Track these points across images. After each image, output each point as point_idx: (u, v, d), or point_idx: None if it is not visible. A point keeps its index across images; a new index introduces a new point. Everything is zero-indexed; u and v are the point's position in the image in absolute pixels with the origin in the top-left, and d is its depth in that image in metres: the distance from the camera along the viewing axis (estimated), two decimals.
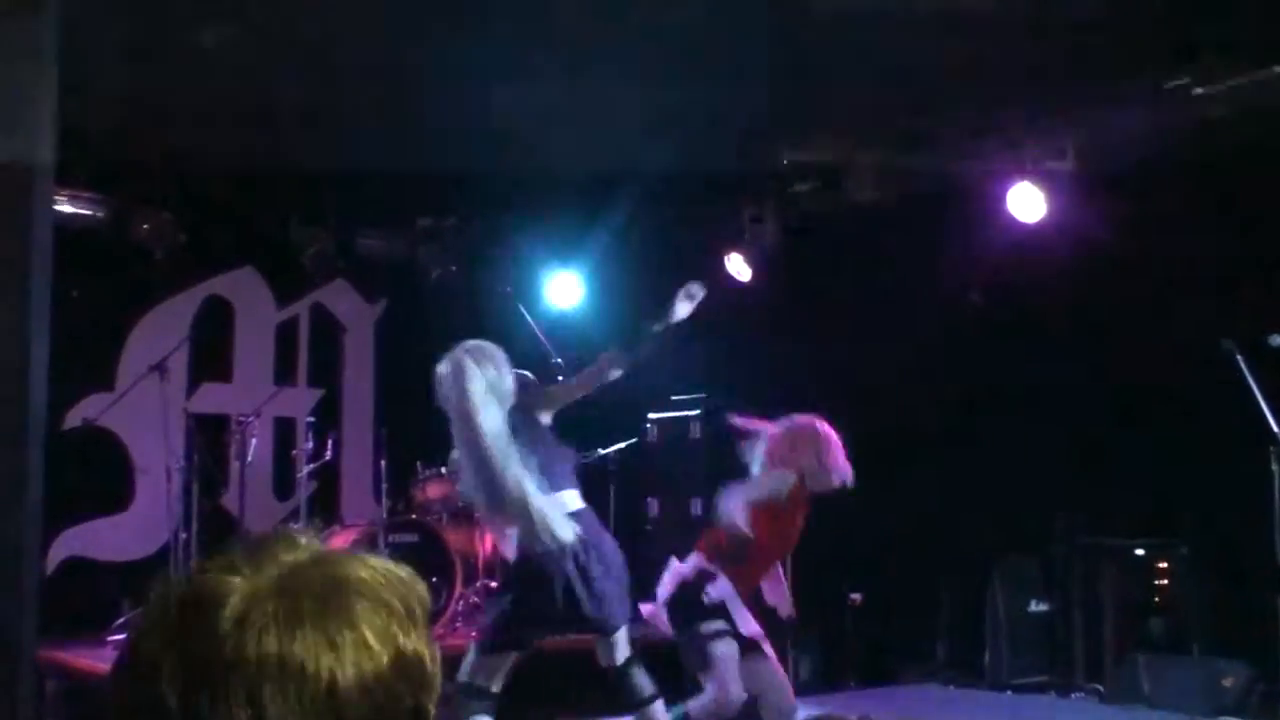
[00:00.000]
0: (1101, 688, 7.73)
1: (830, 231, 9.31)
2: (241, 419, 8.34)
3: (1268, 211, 7.17)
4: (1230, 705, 6.78)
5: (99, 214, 8.72)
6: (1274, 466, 5.73)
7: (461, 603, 8.35)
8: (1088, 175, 7.39)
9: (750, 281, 9.29)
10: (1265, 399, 5.76)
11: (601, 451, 9.13)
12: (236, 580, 1.25)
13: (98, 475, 9.00)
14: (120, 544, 9.08)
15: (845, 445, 9.38)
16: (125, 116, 7.83)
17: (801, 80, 7.27)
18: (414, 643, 1.27)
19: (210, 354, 9.60)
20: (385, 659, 1.24)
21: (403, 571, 1.34)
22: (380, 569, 1.32)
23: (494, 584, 8.73)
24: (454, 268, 9.88)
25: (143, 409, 8.55)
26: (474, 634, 8.22)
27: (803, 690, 8.86)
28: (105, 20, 6.38)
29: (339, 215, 9.57)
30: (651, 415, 9.41)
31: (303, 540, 1.30)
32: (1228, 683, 6.94)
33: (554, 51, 6.86)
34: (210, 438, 8.75)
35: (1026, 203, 7.61)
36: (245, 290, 9.88)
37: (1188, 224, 7.54)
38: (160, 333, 9.22)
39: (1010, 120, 7.59)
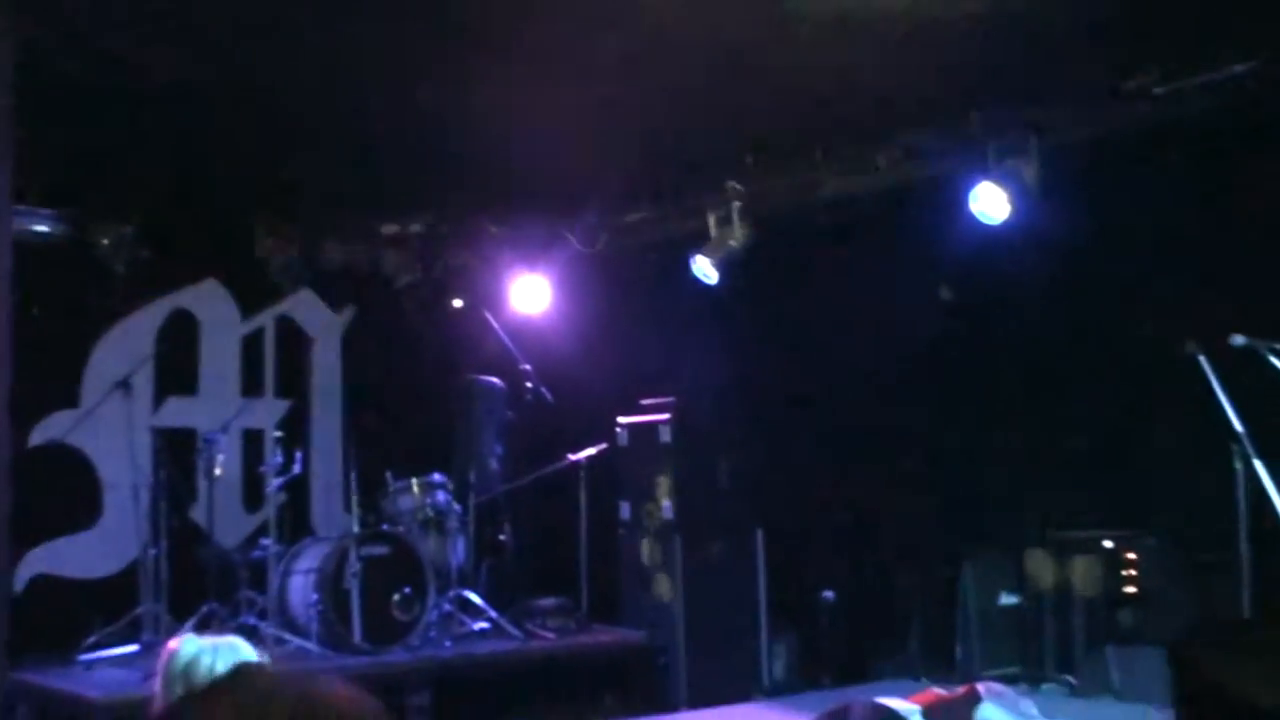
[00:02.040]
0: (1072, 679, 7.79)
1: (797, 232, 9.33)
2: (209, 435, 8.29)
3: (1229, 210, 7.24)
4: None
5: (59, 230, 8.65)
6: (1237, 463, 5.79)
7: (436, 612, 8.34)
8: (1050, 175, 7.43)
9: (718, 283, 9.30)
10: (1228, 398, 5.82)
11: (572, 456, 9.15)
12: (216, 709, 1.24)
13: (65, 493, 8.94)
14: (89, 561, 9.02)
15: (815, 444, 9.47)
16: (82, 130, 7.77)
17: (765, 82, 7.28)
18: None
19: (176, 368, 9.54)
20: None
21: (372, 703, 1.34)
22: (350, 698, 1.32)
23: (467, 592, 8.74)
24: (420, 275, 9.84)
25: (109, 425, 8.51)
26: (448, 643, 8.27)
27: (778, 689, 8.93)
28: (61, 39, 6.35)
29: (303, 225, 9.52)
30: (621, 419, 9.42)
31: (270, 670, 1.29)
32: None
33: (520, 60, 6.85)
34: (178, 452, 8.70)
35: (990, 202, 7.65)
36: (209, 303, 9.82)
37: (1150, 223, 7.60)
38: (124, 348, 9.16)
39: (972, 120, 7.62)
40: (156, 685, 4.01)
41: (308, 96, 7.34)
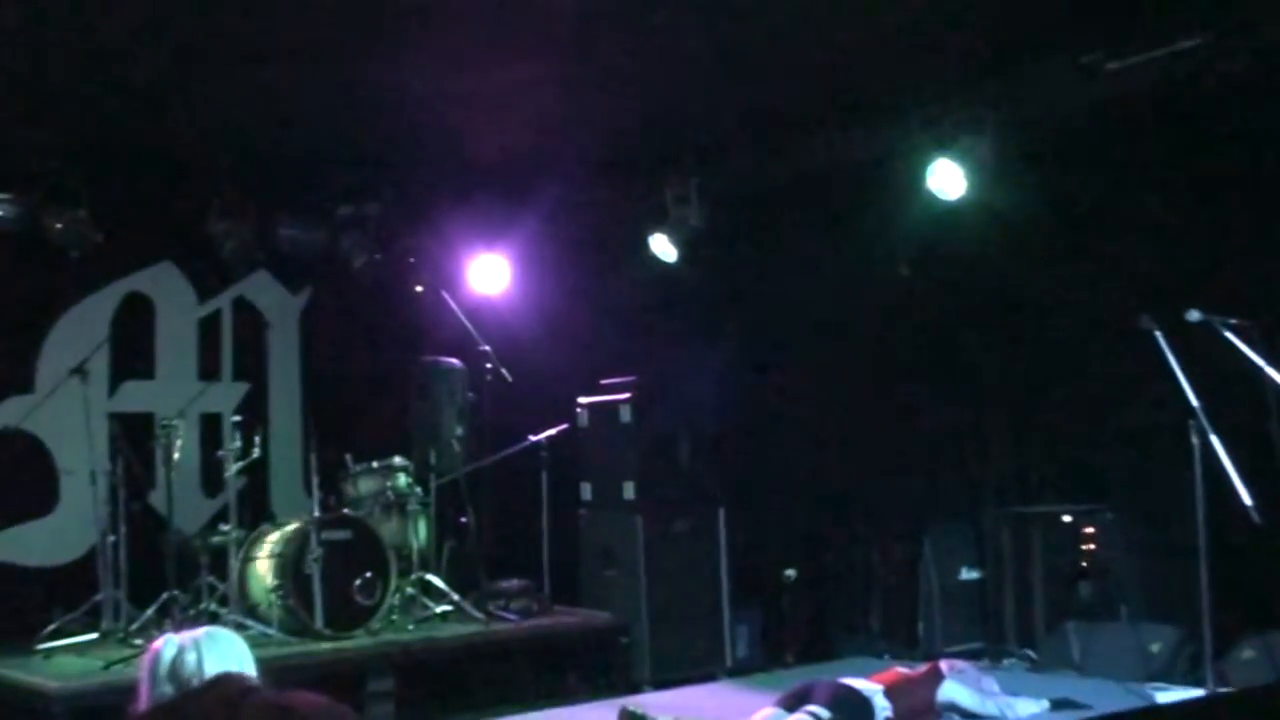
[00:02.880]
0: (1033, 654, 7.85)
1: (755, 209, 9.34)
2: (166, 421, 8.21)
3: (1184, 186, 7.28)
4: (1158, 669, 6.92)
5: (10, 214, 8.53)
6: (1194, 438, 5.82)
7: (398, 596, 8.31)
8: (1007, 150, 7.45)
9: (676, 261, 9.29)
10: (1184, 373, 5.85)
11: (533, 437, 9.12)
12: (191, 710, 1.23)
13: (21, 480, 8.84)
14: (46, 549, 8.92)
15: (776, 422, 9.49)
16: (34, 114, 7.68)
17: (722, 59, 7.26)
18: None
19: (132, 351, 9.43)
20: None
21: (344, 710, 1.33)
22: (324, 705, 1.31)
23: (429, 575, 8.71)
24: (378, 255, 9.77)
25: (64, 411, 8.39)
26: (410, 626, 8.25)
27: (741, 667, 8.96)
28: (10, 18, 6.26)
29: (258, 206, 9.42)
30: (582, 400, 9.41)
31: (250, 678, 1.28)
32: (1155, 647, 7.08)
33: (473, 36, 6.80)
34: (135, 437, 8.61)
35: (947, 179, 7.67)
36: (165, 286, 9.71)
37: (1105, 199, 7.64)
38: (79, 332, 9.04)
39: (930, 97, 7.63)
40: (142, 690, 4.02)
41: (262, 77, 7.27)
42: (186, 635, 4.13)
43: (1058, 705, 6.05)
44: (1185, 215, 7.30)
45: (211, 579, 8.14)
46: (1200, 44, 6.27)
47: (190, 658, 4.01)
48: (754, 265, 9.61)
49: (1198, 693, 6.02)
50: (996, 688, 6.13)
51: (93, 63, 6.95)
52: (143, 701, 4.02)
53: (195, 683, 3.94)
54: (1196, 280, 6.97)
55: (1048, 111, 7.31)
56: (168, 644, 4.05)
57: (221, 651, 4.08)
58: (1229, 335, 5.88)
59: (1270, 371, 5.78)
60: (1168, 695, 6.31)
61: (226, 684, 3.90)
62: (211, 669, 3.99)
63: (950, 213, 7.88)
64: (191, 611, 7.83)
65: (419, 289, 9.51)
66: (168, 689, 3.98)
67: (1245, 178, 7.06)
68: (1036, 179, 7.70)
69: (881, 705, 5.81)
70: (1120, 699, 6.28)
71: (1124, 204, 7.60)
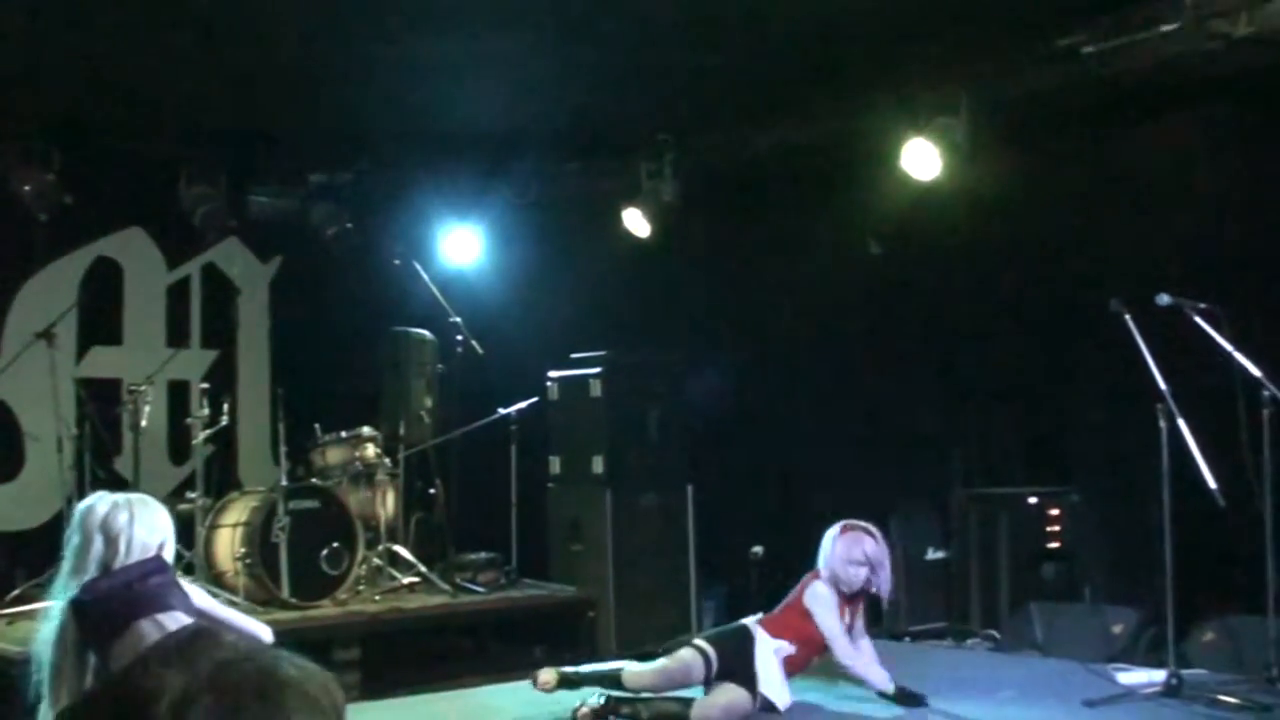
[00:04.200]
0: (997, 634, 7.90)
1: (728, 186, 9.33)
2: (134, 387, 8.17)
3: (1158, 170, 7.32)
4: (1120, 651, 6.98)
5: None
6: (1161, 421, 5.86)
7: (365, 566, 8.30)
8: (981, 132, 7.46)
9: (649, 237, 9.28)
10: (1153, 356, 5.88)
11: (503, 410, 9.11)
12: (169, 674, 1.23)
13: None
14: (11, 513, 8.89)
15: (745, 398, 9.50)
16: (4, 75, 7.60)
17: (698, 34, 7.24)
18: None
19: (100, 317, 9.39)
20: None
21: (324, 674, 1.34)
22: (307, 670, 1.32)
23: (396, 546, 8.70)
24: (349, 225, 9.72)
25: (31, 376, 8.34)
26: (377, 597, 8.25)
27: None
28: None
29: (229, 173, 9.36)
30: (552, 374, 9.39)
31: (228, 638, 1.29)
32: (1117, 629, 7.14)
33: (447, 6, 6.75)
34: (102, 403, 8.57)
35: (921, 159, 7.67)
36: (134, 251, 9.66)
37: (1077, 181, 7.67)
38: (47, 297, 9.00)
39: (904, 77, 7.63)
40: (73, 541, 4.31)
41: (234, 42, 7.21)
42: (120, 495, 4.44)
43: (904, 698, 6.05)
44: (1157, 199, 7.33)
45: (178, 547, 8.10)
46: (1178, 28, 6.28)
47: (122, 516, 4.31)
48: (726, 241, 9.61)
49: (1159, 674, 6.07)
50: (867, 645, 6.17)
51: (63, 29, 6.87)
52: (67, 558, 4.32)
53: (122, 542, 4.26)
54: (1167, 264, 7.01)
55: (1024, 93, 7.31)
56: (101, 499, 4.36)
57: (149, 517, 4.40)
58: (1198, 319, 5.92)
59: (1238, 356, 5.82)
60: (1129, 676, 6.38)
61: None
62: (139, 532, 4.31)
63: (923, 193, 7.89)
64: None
65: (396, 262, 9.46)
66: (98, 542, 4.26)
67: (1220, 161, 7.10)
68: (1011, 161, 7.71)
69: (762, 636, 5.96)
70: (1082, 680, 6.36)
71: (1096, 187, 7.63)
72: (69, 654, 4.14)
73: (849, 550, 6.03)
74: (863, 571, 6.02)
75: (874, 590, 6.10)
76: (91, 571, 4.27)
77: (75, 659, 4.13)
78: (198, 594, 4.59)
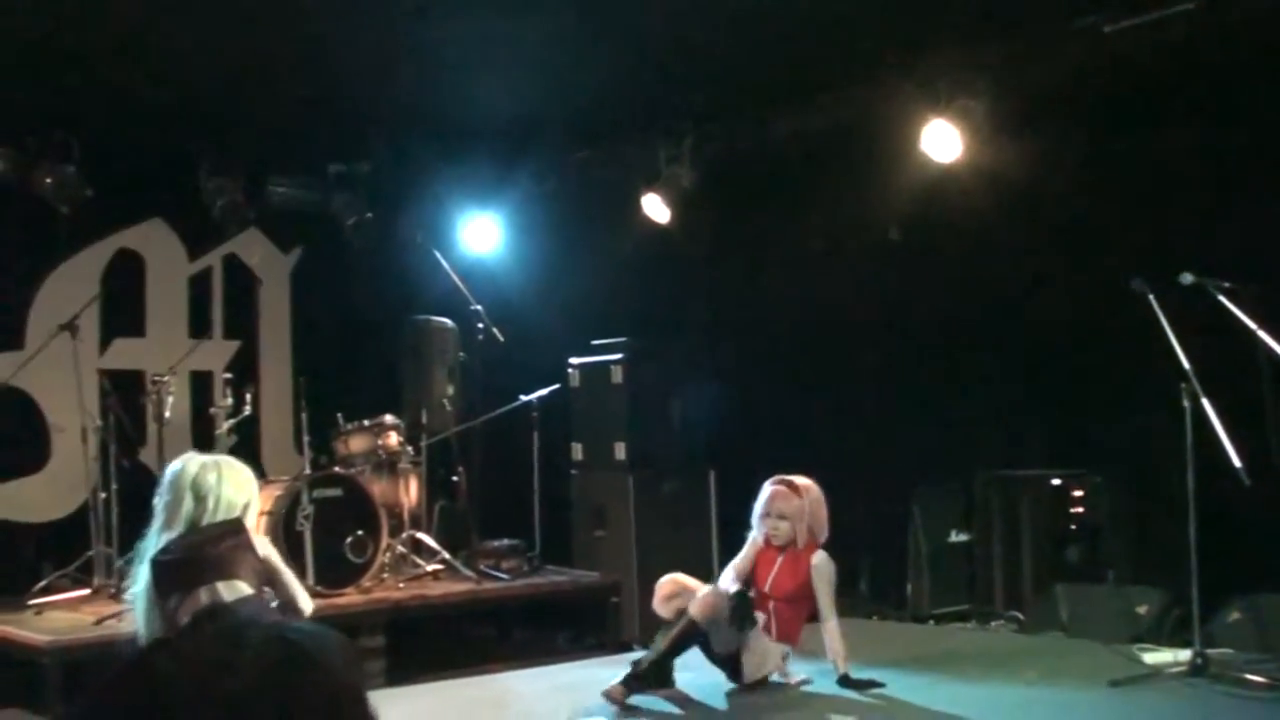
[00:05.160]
0: (1020, 616, 7.88)
1: (748, 171, 9.31)
2: (157, 378, 8.21)
3: (1179, 149, 7.27)
4: (1145, 631, 6.95)
5: (0, 170, 8.49)
6: (1185, 401, 5.83)
7: (389, 554, 8.33)
8: (1001, 113, 7.43)
9: (669, 222, 9.28)
10: (1176, 336, 5.85)
11: (525, 397, 9.12)
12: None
13: (12, 436, 8.86)
14: (38, 505, 8.95)
15: (767, 383, 9.49)
16: (24, 68, 7.63)
17: (717, 18, 7.22)
18: None
19: (122, 309, 9.44)
20: None
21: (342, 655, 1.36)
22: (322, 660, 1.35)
23: (420, 534, 8.73)
24: (369, 214, 9.75)
25: (55, 367, 8.39)
26: (401, 584, 8.28)
27: None
28: None
29: (249, 163, 9.39)
30: (573, 360, 9.40)
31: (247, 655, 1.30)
32: (1142, 610, 7.11)
33: None
34: (126, 394, 8.62)
35: (941, 141, 7.65)
36: (155, 243, 9.70)
37: (1099, 161, 7.62)
38: (69, 288, 9.04)
39: (923, 59, 7.60)
40: (160, 501, 4.80)
41: (253, 33, 7.22)
42: (208, 456, 4.98)
43: (855, 683, 6.04)
44: (1180, 178, 7.29)
45: None
46: (1195, 7, 6.24)
47: (211, 476, 4.78)
48: (745, 226, 9.58)
49: (1184, 654, 6.06)
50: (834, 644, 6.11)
51: (82, 20, 6.89)
52: (158, 514, 4.78)
53: (210, 500, 4.73)
54: (1190, 243, 6.97)
55: (1043, 74, 7.27)
56: (191, 459, 4.86)
57: (236, 477, 4.87)
58: (1222, 298, 5.88)
59: (1262, 335, 5.79)
60: (1154, 657, 6.36)
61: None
62: (227, 490, 4.78)
63: (943, 176, 7.87)
64: None
65: (419, 240, 9.47)
66: (188, 500, 4.73)
67: (1241, 140, 7.06)
68: (1031, 142, 7.68)
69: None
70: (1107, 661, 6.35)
71: (1118, 167, 7.59)
72: (152, 606, 4.68)
73: (757, 504, 6.25)
74: (766, 523, 6.17)
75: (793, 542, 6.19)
76: (180, 527, 4.73)
77: (157, 610, 4.66)
78: (264, 546, 4.99)
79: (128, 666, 1.27)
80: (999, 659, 6.75)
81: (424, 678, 7.08)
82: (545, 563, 9.01)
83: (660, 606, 6.11)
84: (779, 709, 5.90)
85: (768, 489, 6.30)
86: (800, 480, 6.31)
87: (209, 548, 4.68)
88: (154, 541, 4.78)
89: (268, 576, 4.89)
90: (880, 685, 6.01)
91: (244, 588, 4.67)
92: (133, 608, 4.86)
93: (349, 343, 9.91)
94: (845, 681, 6.01)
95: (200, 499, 4.75)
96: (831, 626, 6.12)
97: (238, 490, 4.87)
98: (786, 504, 6.20)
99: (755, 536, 6.29)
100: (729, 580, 6.23)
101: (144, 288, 9.64)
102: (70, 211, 8.75)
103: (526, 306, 9.75)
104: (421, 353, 9.62)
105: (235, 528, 4.78)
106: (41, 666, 6.63)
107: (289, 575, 5.07)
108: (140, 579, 4.74)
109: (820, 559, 6.18)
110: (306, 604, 5.07)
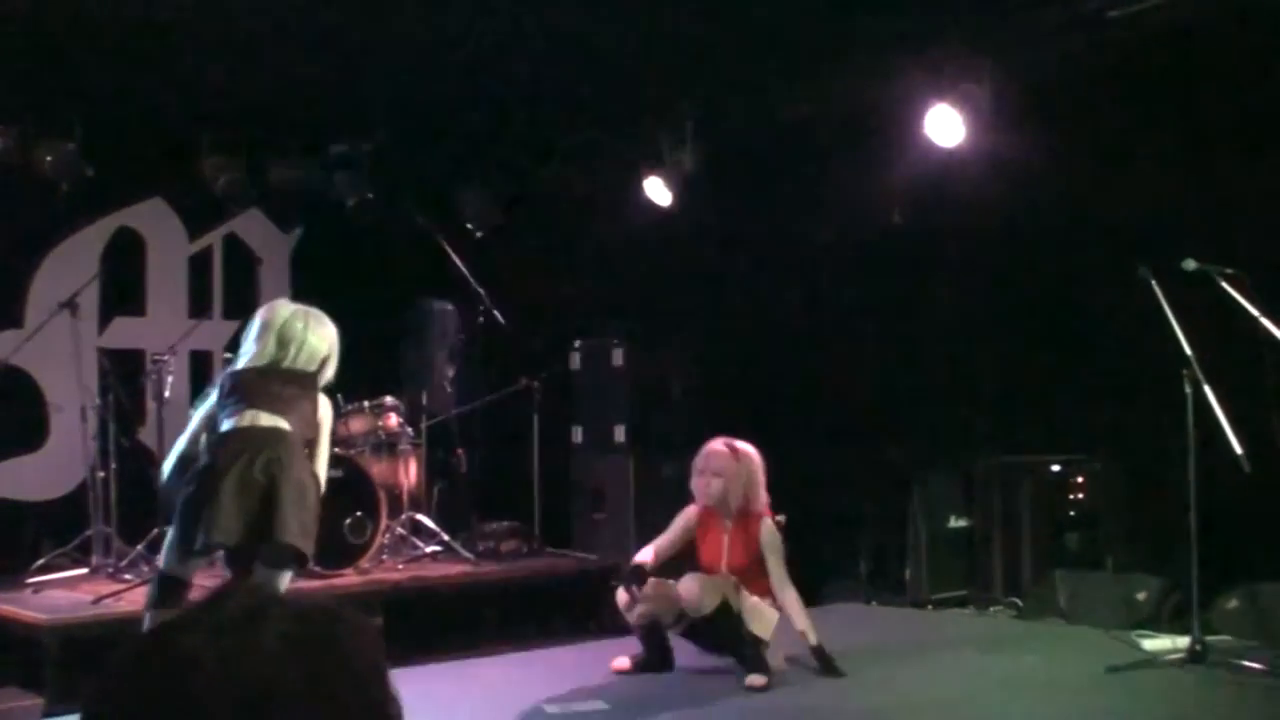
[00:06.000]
0: (1019, 602, 7.88)
1: (750, 154, 9.28)
2: (157, 357, 8.19)
3: (1183, 134, 7.24)
4: (1144, 618, 6.95)
5: (0, 147, 8.46)
6: (1187, 388, 5.82)
7: (388, 535, 8.32)
8: (1005, 98, 7.40)
9: (671, 205, 9.25)
10: (1179, 322, 5.84)
11: (525, 379, 9.11)
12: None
13: (11, 415, 8.82)
14: (37, 483, 8.94)
15: (768, 367, 9.48)
16: (24, 45, 7.60)
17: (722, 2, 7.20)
18: None
19: (122, 288, 9.40)
20: None
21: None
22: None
23: (419, 515, 8.72)
24: (370, 194, 9.71)
25: (55, 346, 8.37)
26: (400, 566, 8.27)
27: None
28: None
29: (249, 143, 9.35)
30: (575, 342, 9.39)
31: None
32: (1141, 596, 7.11)
33: None
34: (125, 373, 8.60)
35: (945, 126, 7.62)
36: (155, 222, 9.66)
37: (1103, 146, 7.60)
38: (69, 267, 9.00)
39: (928, 43, 7.57)
40: (250, 335, 5.24)
41: (254, 11, 7.19)
42: (299, 305, 5.40)
43: (828, 657, 6.06)
44: (1183, 164, 7.26)
45: None
46: None
47: (299, 324, 5.21)
48: (748, 210, 9.56)
49: (1183, 641, 6.05)
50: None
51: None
52: (245, 349, 5.21)
53: (293, 346, 5.16)
54: (1193, 229, 6.95)
55: (1048, 59, 7.24)
56: (283, 304, 5.36)
57: (321, 329, 5.30)
58: (1224, 285, 5.87)
59: (1265, 321, 5.77)
60: (1153, 643, 6.36)
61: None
62: (312, 339, 5.21)
63: (946, 161, 7.84)
64: None
65: (419, 221, 9.42)
66: (272, 340, 5.14)
67: (1244, 126, 7.03)
68: (1034, 127, 7.65)
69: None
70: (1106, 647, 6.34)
71: (1121, 152, 7.56)
72: (203, 420, 5.23)
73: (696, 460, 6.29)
74: (700, 480, 6.22)
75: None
76: (259, 361, 5.15)
77: (205, 421, 5.19)
78: (325, 409, 5.43)
79: (148, 644, 1.25)
80: (997, 644, 6.74)
81: (422, 659, 7.07)
82: (545, 545, 9.00)
83: (629, 615, 6.15)
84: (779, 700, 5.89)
85: (707, 446, 6.29)
86: (742, 445, 6.28)
87: (276, 385, 5.11)
88: (233, 368, 5.29)
89: (313, 433, 5.30)
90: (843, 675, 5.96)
91: (285, 426, 5.09)
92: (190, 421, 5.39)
93: (349, 323, 9.85)
94: (819, 654, 5.97)
95: (283, 344, 5.17)
96: (791, 598, 6.07)
97: (321, 340, 5.29)
98: (723, 463, 6.16)
99: (686, 509, 6.31)
100: (647, 555, 6.21)
101: (144, 267, 9.61)
102: (70, 190, 8.72)
103: (528, 288, 9.73)
104: (422, 334, 9.62)
105: (308, 382, 5.21)
106: (40, 645, 6.62)
107: (326, 446, 5.48)
108: (209, 398, 5.28)
109: (765, 528, 6.16)
110: (322, 472, 5.42)
